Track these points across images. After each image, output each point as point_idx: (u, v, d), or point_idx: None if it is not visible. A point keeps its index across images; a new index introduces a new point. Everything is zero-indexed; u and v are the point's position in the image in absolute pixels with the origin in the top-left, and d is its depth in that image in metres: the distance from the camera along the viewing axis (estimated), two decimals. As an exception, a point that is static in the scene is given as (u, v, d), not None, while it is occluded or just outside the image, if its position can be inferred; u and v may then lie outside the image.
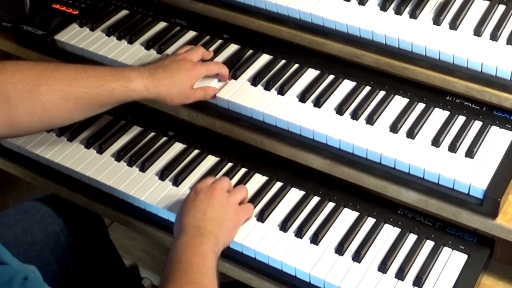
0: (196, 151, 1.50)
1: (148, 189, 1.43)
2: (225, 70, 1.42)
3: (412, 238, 1.33)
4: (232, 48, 1.51)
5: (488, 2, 1.37)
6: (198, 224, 1.22)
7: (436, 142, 1.27)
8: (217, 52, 1.49)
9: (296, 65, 1.46)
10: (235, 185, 1.41)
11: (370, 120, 1.32)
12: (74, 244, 1.51)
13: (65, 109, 1.28)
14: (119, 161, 1.49)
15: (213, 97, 1.40)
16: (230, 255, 1.34)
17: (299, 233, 1.33)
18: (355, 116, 1.34)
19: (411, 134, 1.29)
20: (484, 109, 1.33)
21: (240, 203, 1.32)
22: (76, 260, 1.51)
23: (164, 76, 1.33)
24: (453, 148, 1.26)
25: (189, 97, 1.37)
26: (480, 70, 1.27)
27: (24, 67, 1.27)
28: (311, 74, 1.44)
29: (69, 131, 1.55)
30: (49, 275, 1.45)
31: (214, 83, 1.41)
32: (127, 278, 1.80)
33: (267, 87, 1.41)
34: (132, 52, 1.52)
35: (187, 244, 1.19)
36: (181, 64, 1.37)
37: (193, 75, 1.37)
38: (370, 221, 1.36)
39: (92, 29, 1.58)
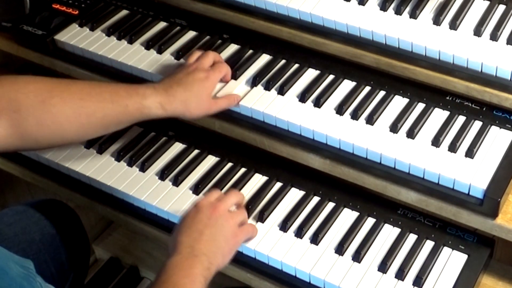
0: (196, 151, 1.50)
1: (148, 189, 1.43)
2: (229, 70, 1.42)
3: (412, 238, 1.33)
4: (232, 48, 1.51)
5: (488, 2, 1.37)
6: (193, 244, 1.19)
7: (436, 142, 1.27)
8: (217, 52, 1.49)
9: (296, 65, 1.46)
10: (235, 185, 1.42)
11: (370, 120, 1.32)
12: (67, 248, 1.51)
13: (78, 123, 1.26)
14: (119, 161, 1.49)
15: (237, 105, 1.38)
16: (230, 255, 1.34)
17: (299, 233, 1.33)
18: (355, 116, 1.34)
19: (411, 134, 1.29)
20: (484, 109, 1.33)
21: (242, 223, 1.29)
22: (69, 264, 1.51)
23: (178, 91, 1.31)
24: (453, 148, 1.26)
25: (210, 108, 1.35)
26: (480, 70, 1.27)
27: (37, 80, 1.27)
28: (311, 74, 1.44)
29: (69, 131, 1.55)
30: (47, 273, 1.45)
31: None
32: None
33: (267, 87, 1.41)
34: (132, 52, 1.52)
35: (177, 265, 1.17)
36: (195, 75, 1.35)
37: (209, 84, 1.35)
38: (370, 221, 1.36)
39: (92, 29, 1.58)
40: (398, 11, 1.36)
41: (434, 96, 1.36)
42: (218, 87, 1.41)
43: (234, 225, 1.26)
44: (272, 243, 1.32)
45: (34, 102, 1.23)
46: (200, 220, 1.23)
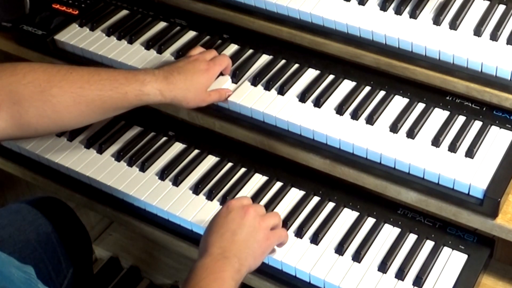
0: (196, 151, 1.50)
1: (148, 189, 1.43)
2: (230, 62, 1.43)
3: (412, 238, 1.33)
4: (232, 48, 1.51)
5: (488, 2, 1.37)
6: (225, 245, 1.18)
7: (436, 142, 1.27)
8: (217, 52, 1.49)
9: (296, 65, 1.46)
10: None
11: (370, 120, 1.32)
12: (65, 244, 1.51)
13: (77, 111, 1.26)
14: (119, 161, 1.49)
15: (225, 101, 1.38)
16: (230, 255, 1.34)
17: (299, 233, 1.33)
18: (355, 116, 1.34)
19: (411, 134, 1.29)
20: (484, 109, 1.33)
21: (272, 229, 1.27)
22: (67, 261, 1.51)
23: (179, 79, 1.31)
24: (453, 148, 1.26)
25: (204, 100, 1.36)
26: (480, 70, 1.27)
27: (36, 69, 1.26)
28: (311, 74, 1.44)
29: (69, 131, 1.55)
30: (44, 273, 1.45)
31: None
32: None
33: (267, 87, 1.41)
34: (132, 52, 1.52)
35: (208, 268, 1.14)
36: (196, 65, 1.35)
37: (209, 76, 1.36)
38: (370, 221, 1.36)
39: (92, 29, 1.58)
40: (398, 11, 1.36)
41: (434, 96, 1.36)
42: (218, 86, 1.41)
43: (266, 228, 1.24)
44: (272, 243, 1.32)
45: (33, 93, 1.23)
46: (233, 219, 1.21)
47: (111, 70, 1.32)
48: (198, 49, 1.43)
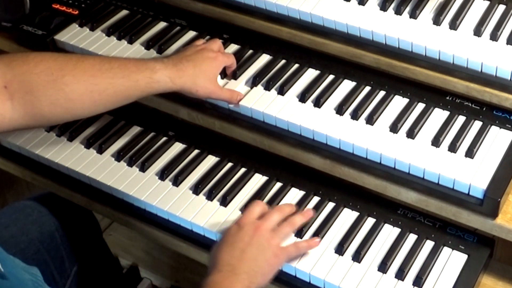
0: (196, 151, 1.50)
1: (148, 189, 1.43)
2: (234, 61, 1.44)
3: (412, 238, 1.33)
4: (232, 48, 1.51)
5: (488, 2, 1.37)
6: (234, 262, 1.18)
7: (436, 142, 1.27)
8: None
9: (296, 65, 1.46)
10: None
11: (370, 120, 1.32)
12: (69, 243, 1.51)
13: (90, 100, 1.26)
14: (119, 161, 1.49)
15: (236, 105, 1.38)
16: (230, 255, 1.34)
17: (299, 234, 1.33)
18: (355, 116, 1.34)
19: (411, 134, 1.29)
20: (484, 109, 1.33)
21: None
22: (71, 259, 1.51)
23: (188, 66, 1.32)
24: (453, 148, 1.26)
25: (215, 90, 1.36)
26: (480, 70, 1.27)
27: (48, 58, 1.25)
28: (311, 74, 1.44)
29: (69, 131, 1.55)
30: (46, 274, 1.44)
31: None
32: (122, 277, 1.79)
33: (267, 87, 1.41)
34: (132, 52, 1.52)
35: (217, 283, 1.15)
36: (204, 53, 1.36)
37: (217, 64, 1.37)
38: (370, 221, 1.36)
39: (92, 29, 1.58)
40: (398, 11, 1.36)
41: (434, 96, 1.36)
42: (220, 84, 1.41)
43: (276, 245, 1.23)
44: (272, 243, 1.32)
45: (46, 82, 1.22)
46: (241, 238, 1.21)
47: (121, 58, 1.33)
48: (202, 39, 1.45)
